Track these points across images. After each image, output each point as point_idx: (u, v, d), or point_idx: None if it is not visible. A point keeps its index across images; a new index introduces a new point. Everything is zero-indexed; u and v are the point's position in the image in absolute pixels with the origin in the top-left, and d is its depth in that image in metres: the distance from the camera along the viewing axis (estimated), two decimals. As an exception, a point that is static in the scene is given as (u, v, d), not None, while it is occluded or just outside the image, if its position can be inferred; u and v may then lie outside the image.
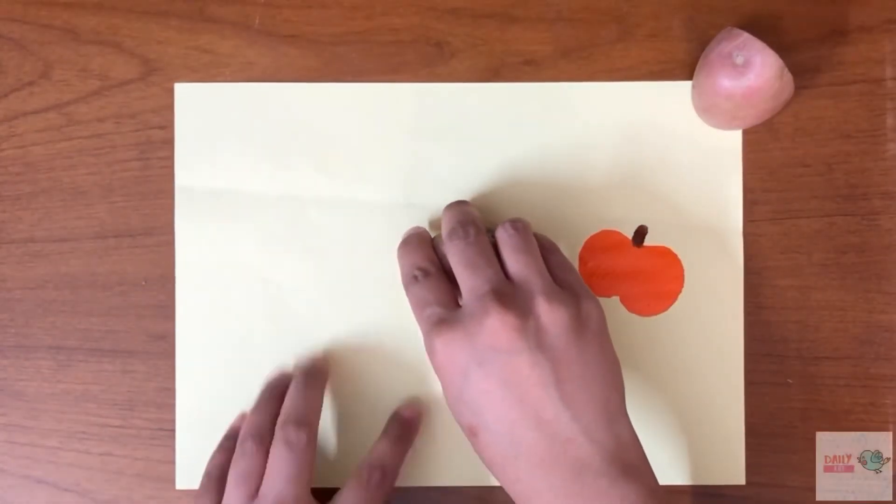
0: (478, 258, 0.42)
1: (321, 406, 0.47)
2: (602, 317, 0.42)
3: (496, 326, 0.39)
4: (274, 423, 0.46)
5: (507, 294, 0.41)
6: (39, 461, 0.49)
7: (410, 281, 0.44)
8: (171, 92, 0.49)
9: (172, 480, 0.49)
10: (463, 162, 0.50)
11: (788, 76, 0.45)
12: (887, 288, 0.50)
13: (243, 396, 0.49)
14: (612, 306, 0.50)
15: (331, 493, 0.46)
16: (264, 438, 0.45)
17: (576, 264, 0.49)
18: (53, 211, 0.49)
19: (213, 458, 0.48)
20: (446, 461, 0.49)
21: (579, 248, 0.50)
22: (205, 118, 0.49)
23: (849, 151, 0.50)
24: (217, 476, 0.46)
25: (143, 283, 0.49)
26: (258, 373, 0.49)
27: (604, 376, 0.41)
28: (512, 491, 0.40)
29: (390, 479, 0.45)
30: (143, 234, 0.49)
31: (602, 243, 0.50)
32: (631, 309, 0.50)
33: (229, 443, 0.48)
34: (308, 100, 0.50)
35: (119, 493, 0.49)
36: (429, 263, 0.44)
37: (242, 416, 0.48)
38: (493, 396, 0.39)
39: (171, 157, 0.49)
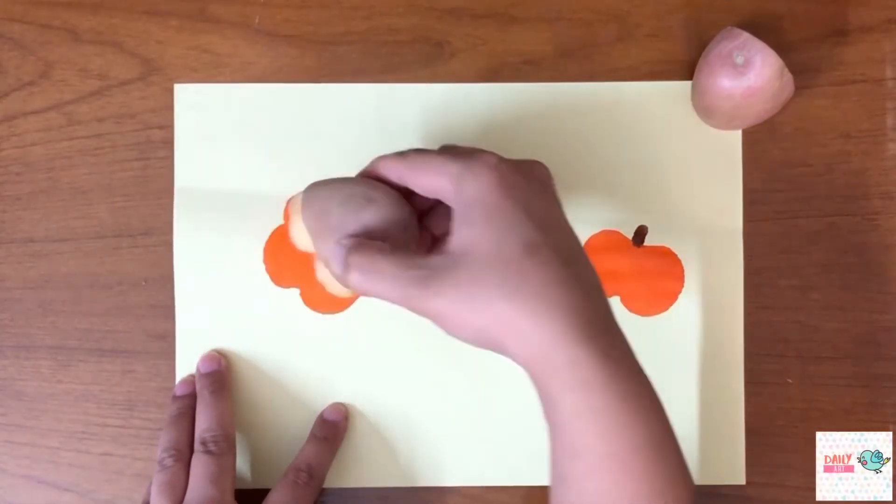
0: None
1: (232, 413, 0.48)
2: None
3: (542, 168, 0.42)
4: (188, 439, 0.47)
5: None
6: (39, 461, 0.49)
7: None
8: (171, 92, 0.49)
9: (172, 480, 0.49)
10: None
11: (788, 76, 0.45)
12: (887, 288, 0.50)
13: (242, 395, 0.49)
14: (613, 306, 0.49)
15: (261, 495, 0.46)
16: (182, 453, 0.46)
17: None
18: (53, 211, 0.49)
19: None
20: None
21: (579, 248, 0.50)
22: (205, 118, 0.49)
23: (849, 151, 0.50)
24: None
25: (143, 283, 0.49)
26: (258, 372, 0.49)
27: None
28: (565, 305, 0.38)
29: (317, 479, 0.47)
30: (142, 234, 0.49)
31: (602, 243, 0.50)
32: (631, 309, 0.50)
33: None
34: (308, 100, 0.50)
35: (119, 493, 0.49)
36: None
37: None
38: (554, 211, 0.40)
39: (171, 157, 0.49)
